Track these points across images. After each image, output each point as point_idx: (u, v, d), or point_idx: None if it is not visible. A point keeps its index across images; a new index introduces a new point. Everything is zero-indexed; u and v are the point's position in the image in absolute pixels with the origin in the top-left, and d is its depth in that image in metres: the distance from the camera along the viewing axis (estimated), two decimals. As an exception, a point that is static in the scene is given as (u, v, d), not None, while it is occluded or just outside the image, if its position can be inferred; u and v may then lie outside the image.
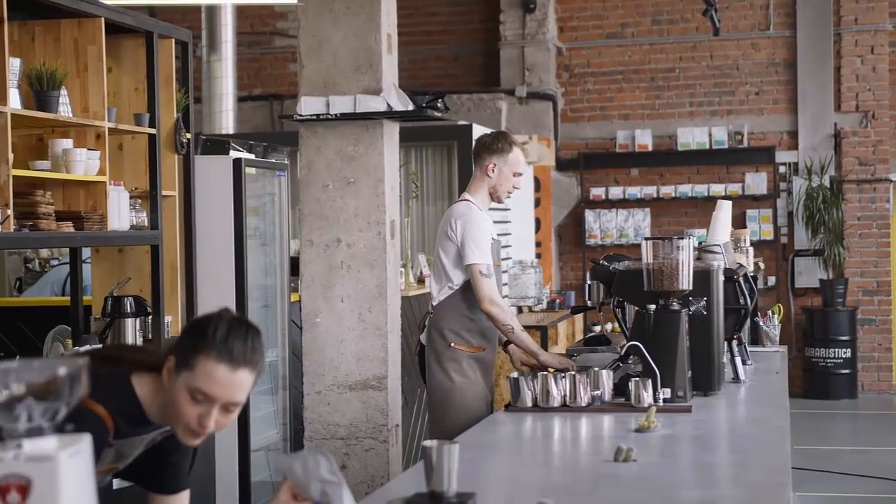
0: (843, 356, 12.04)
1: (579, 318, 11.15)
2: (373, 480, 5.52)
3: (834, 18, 12.44)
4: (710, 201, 12.47)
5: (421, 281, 7.76)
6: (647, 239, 4.50)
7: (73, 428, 2.49)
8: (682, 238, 4.47)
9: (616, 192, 12.73)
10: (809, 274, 12.40)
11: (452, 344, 5.22)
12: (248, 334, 2.55)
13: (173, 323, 6.00)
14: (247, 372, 2.52)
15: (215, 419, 2.53)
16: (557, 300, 10.96)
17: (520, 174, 5.38)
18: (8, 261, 9.27)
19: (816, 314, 12.15)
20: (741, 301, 5.03)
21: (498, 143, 5.34)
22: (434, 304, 5.34)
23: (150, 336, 5.80)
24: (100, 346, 5.14)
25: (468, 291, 5.21)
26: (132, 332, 5.63)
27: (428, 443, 2.73)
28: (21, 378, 1.84)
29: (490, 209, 5.40)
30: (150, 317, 5.75)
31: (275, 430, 6.97)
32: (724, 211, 5.55)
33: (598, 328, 12.00)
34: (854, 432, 10.77)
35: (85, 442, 1.86)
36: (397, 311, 6.38)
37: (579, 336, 11.06)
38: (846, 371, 12.08)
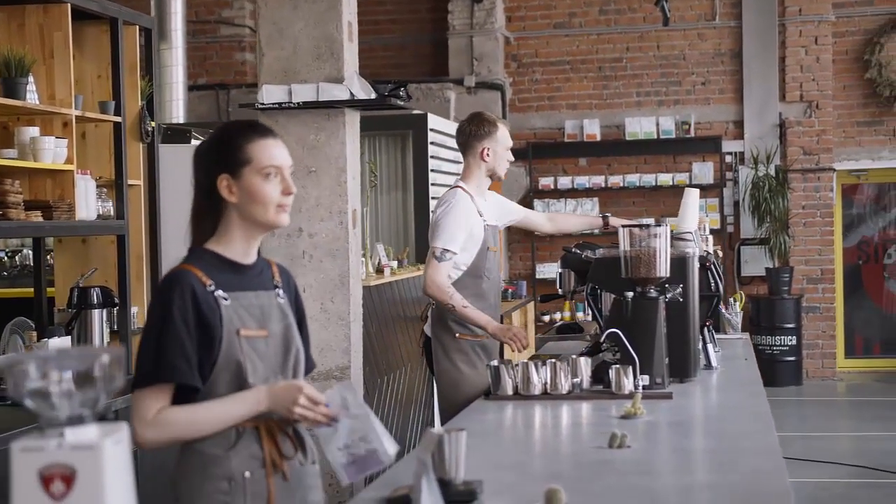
0: (789, 343, 12.20)
1: (531, 307, 11.20)
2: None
3: (779, 9, 12.57)
4: (657, 191, 12.58)
5: (380, 271, 7.72)
6: (624, 226, 4.52)
7: (162, 292, 2.77)
8: (659, 226, 4.49)
9: (565, 181, 12.77)
10: (755, 262, 12.54)
11: (458, 335, 5.25)
12: (248, 122, 2.95)
13: (139, 314, 5.93)
14: (279, 138, 2.92)
15: (290, 183, 2.88)
16: (510, 290, 10.98)
17: (510, 146, 5.47)
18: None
19: (762, 302, 12.29)
20: (713, 288, 5.07)
21: (484, 127, 5.38)
22: None
23: (116, 327, 5.72)
24: None
25: (468, 278, 5.21)
26: (99, 323, 5.54)
27: (435, 430, 2.72)
28: (61, 366, 1.81)
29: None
30: (116, 308, 5.68)
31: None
32: (692, 198, 5.57)
33: (559, 316, 12.08)
34: (800, 418, 10.90)
35: (124, 430, 1.84)
36: (359, 301, 6.34)
37: (531, 326, 11.12)
38: (791, 358, 12.24)
